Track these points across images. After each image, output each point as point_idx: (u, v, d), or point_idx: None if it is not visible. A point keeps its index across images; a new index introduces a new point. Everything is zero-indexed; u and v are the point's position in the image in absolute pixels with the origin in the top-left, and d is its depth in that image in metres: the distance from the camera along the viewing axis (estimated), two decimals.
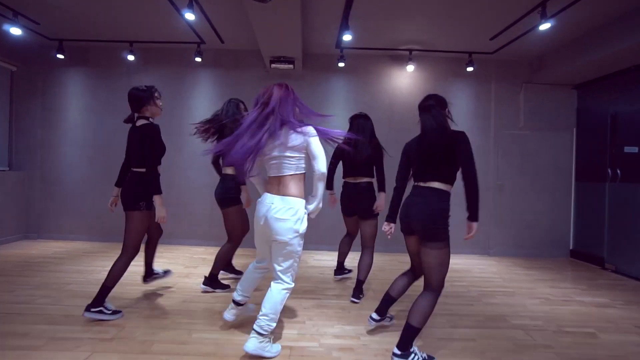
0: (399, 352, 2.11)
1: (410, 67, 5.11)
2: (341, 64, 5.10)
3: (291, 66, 4.86)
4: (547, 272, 4.45)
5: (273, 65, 4.86)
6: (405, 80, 5.41)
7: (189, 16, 3.72)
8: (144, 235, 2.87)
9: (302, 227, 2.13)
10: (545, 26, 3.58)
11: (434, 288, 2.20)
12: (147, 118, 2.85)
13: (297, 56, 4.82)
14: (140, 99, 2.83)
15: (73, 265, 4.00)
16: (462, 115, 5.40)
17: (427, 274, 2.23)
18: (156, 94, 2.89)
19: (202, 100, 5.38)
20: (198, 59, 5.11)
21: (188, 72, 5.39)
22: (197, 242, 5.31)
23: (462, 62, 5.27)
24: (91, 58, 5.41)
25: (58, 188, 5.41)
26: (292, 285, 2.20)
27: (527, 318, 2.99)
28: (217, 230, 5.29)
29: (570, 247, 5.33)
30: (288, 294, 2.19)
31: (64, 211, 5.40)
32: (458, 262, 4.86)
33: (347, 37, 4.09)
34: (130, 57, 5.13)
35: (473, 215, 2.34)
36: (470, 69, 5.09)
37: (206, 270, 3.97)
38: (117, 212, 5.54)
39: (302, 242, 2.16)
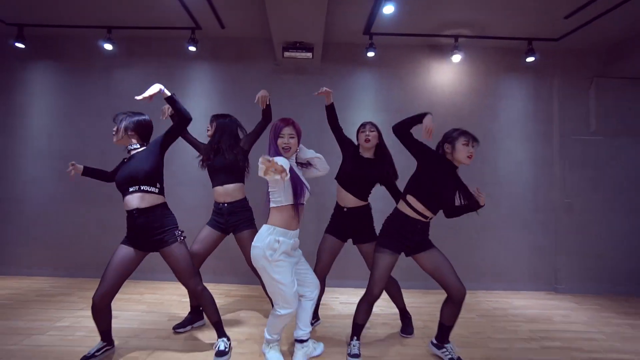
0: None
1: (457, 57, 4.11)
2: (370, 54, 4.10)
3: (309, 55, 3.85)
4: None
5: (287, 54, 3.85)
6: (449, 76, 4.41)
7: None
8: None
9: (269, 252, 2.07)
10: None
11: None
12: None
13: (317, 42, 3.82)
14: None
15: (11, 320, 2.87)
16: (517, 118, 4.38)
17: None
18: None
19: (198, 99, 4.35)
20: (192, 48, 4.11)
21: (180, 65, 4.38)
22: None
23: (517, 52, 4.29)
24: (59, 48, 4.39)
25: (15, 209, 4.32)
26: (282, 312, 2.15)
27: None
28: (214, 262, 4.20)
29: None
30: (280, 319, 2.18)
31: (21, 238, 4.30)
32: (527, 305, 3.74)
33: (388, 10, 3.10)
34: (109, 47, 4.13)
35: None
36: (530, 59, 4.10)
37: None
38: (88, 239, 4.51)
39: (278, 270, 2.08)
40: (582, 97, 4.32)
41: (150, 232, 2.21)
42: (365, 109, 4.36)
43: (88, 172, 2.71)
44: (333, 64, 4.38)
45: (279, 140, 2.15)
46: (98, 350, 2.27)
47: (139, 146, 2.32)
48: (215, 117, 2.88)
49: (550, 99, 4.38)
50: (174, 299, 3.55)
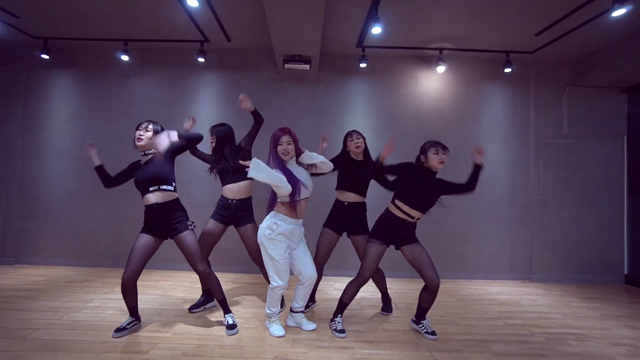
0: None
1: (441, 68, 4.53)
2: (363, 65, 4.52)
3: (307, 66, 4.27)
4: (610, 304, 3.79)
5: (287, 66, 4.27)
6: (434, 84, 4.83)
7: (192, 2, 3.14)
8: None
9: (267, 231, 2.61)
10: (619, 12, 2.99)
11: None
12: None
13: (314, 55, 4.23)
14: None
15: (49, 301, 3.32)
16: (497, 122, 4.81)
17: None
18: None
19: (206, 105, 4.77)
20: (201, 59, 4.53)
21: (190, 75, 4.80)
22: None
23: (497, 63, 4.70)
24: (80, 58, 4.81)
25: (39, 205, 4.75)
26: (274, 284, 2.67)
27: None
28: (220, 253, 4.64)
29: (625, 272, 4.66)
30: (274, 292, 2.70)
31: (46, 232, 4.73)
32: (501, 291, 4.19)
33: (376, 30, 3.50)
34: (125, 58, 4.54)
35: None
36: (508, 70, 4.52)
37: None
38: (106, 233, 4.96)
39: (273, 247, 2.60)
40: (556, 104, 4.74)
41: (167, 222, 2.66)
42: (359, 114, 4.78)
43: (100, 169, 3.03)
44: (329, 73, 4.80)
45: (279, 148, 2.59)
46: (129, 324, 2.71)
47: (152, 151, 2.72)
48: (214, 128, 3.23)
49: (527, 105, 4.80)
50: (186, 285, 3.99)
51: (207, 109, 4.76)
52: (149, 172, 2.65)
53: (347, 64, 4.77)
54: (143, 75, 4.80)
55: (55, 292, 3.59)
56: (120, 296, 3.48)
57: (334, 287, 4.13)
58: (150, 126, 2.74)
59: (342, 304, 2.87)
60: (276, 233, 2.57)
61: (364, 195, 3.14)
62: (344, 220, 3.12)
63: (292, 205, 2.59)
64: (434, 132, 4.76)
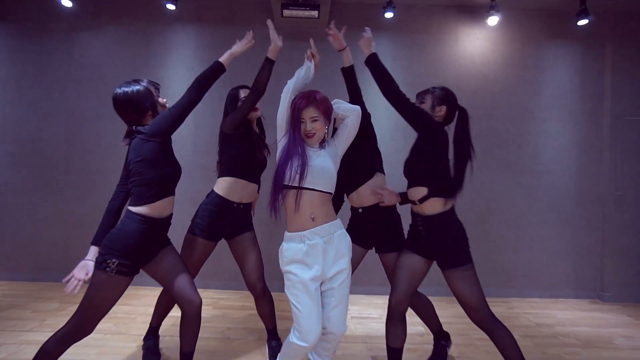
0: None
1: (493, 19, 3.41)
2: (389, 14, 3.38)
3: (315, 13, 3.12)
4: None
5: (287, 12, 3.12)
6: (480, 44, 3.69)
7: None
8: None
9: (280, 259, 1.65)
10: None
11: None
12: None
13: None
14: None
15: None
16: (561, 94, 3.70)
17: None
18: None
19: (180, 71, 3.64)
20: (171, 7, 3.38)
21: (158, 30, 3.65)
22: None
23: (563, 15, 3.59)
24: (12, 8, 3.64)
25: None
26: (292, 339, 1.57)
27: None
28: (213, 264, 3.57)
29: None
30: (291, 348, 1.59)
31: None
32: (573, 318, 3.14)
33: None
34: (68, 4, 3.39)
35: None
36: (583, 21, 3.38)
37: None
38: (53, 236, 3.84)
39: (290, 285, 1.58)
40: None
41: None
42: None
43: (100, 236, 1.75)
44: (342, 28, 3.64)
45: (302, 126, 1.63)
46: None
47: None
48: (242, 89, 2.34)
49: (601, 71, 3.68)
50: (149, 311, 2.91)
51: (180, 75, 3.62)
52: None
53: (367, 15, 3.62)
54: (96, 30, 3.64)
55: None
56: (46, 337, 2.41)
57: (350, 315, 3.06)
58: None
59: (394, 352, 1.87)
60: (285, 263, 1.60)
61: None
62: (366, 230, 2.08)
63: (293, 197, 1.59)
64: (477, 105, 3.65)
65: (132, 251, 1.56)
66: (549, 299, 3.63)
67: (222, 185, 2.07)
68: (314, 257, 1.56)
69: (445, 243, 1.73)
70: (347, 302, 1.65)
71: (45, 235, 3.64)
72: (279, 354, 1.72)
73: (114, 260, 1.53)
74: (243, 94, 2.15)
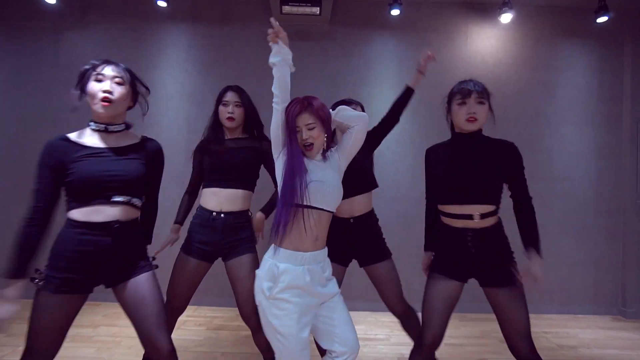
0: None
1: (507, 17, 3.20)
2: (395, 12, 3.17)
3: (316, 10, 2.92)
4: None
5: (286, 9, 2.91)
6: (491, 43, 3.48)
7: None
8: None
9: (266, 283, 1.37)
10: None
11: None
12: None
13: None
14: None
15: None
16: (578, 97, 3.49)
17: None
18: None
19: (172, 72, 3.42)
20: (163, 4, 3.17)
21: (149, 28, 3.43)
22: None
23: (580, 12, 3.38)
24: None
25: None
26: None
27: None
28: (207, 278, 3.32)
29: None
30: None
31: None
32: (597, 339, 2.89)
33: None
34: (52, 1, 3.17)
35: None
36: (602, 19, 3.17)
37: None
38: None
39: (277, 312, 1.34)
40: None
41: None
42: (386, 84, 3.45)
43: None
44: (345, 26, 3.44)
45: (298, 136, 1.43)
46: None
47: None
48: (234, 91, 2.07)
49: (620, 72, 3.47)
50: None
51: (173, 76, 3.41)
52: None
53: (371, 12, 3.42)
54: (83, 29, 3.43)
55: None
56: None
57: None
58: None
59: None
60: (281, 288, 1.34)
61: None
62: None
63: (302, 217, 1.38)
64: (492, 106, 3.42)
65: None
66: (568, 314, 3.39)
67: (202, 196, 1.88)
68: (311, 283, 1.36)
69: (496, 257, 1.53)
70: (351, 320, 1.48)
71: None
72: None
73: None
74: (230, 96, 1.91)
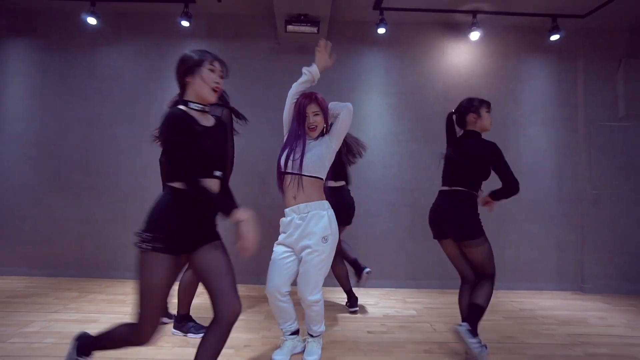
0: (469, 327, 2.00)
1: (475, 34, 3.78)
2: (381, 30, 3.75)
3: (315, 29, 3.48)
4: None
5: (290, 28, 3.48)
6: (465, 57, 4.06)
7: None
8: None
9: None
10: None
11: (490, 275, 2.17)
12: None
13: (324, 15, 3.46)
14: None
15: None
16: (540, 102, 4.05)
17: (479, 268, 2.18)
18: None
19: None
20: (185, 23, 3.74)
21: (172, 43, 3.99)
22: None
23: (540, 31, 3.96)
24: (39, 23, 4.00)
25: None
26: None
27: None
28: None
29: None
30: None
31: None
32: (554, 305, 3.39)
33: None
34: (92, 21, 3.74)
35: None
36: (555, 37, 3.77)
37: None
38: (69, 235, 4.11)
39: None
40: (610, 80, 3.98)
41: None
42: (375, 91, 4.01)
43: None
44: (339, 42, 3.99)
45: (305, 121, 2.00)
46: None
47: None
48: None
49: (575, 81, 4.05)
50: None
51: None
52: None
53: (362, 31, 4.00)
54: (116, 44, 4.00)
55: None
56: (72, 316, 2.68)
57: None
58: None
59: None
60: (280, 232, 2.07)
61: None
62: None
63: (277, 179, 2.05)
64: None
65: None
66: (534, 290, 3.88)
67: None
68: (290, 229, 1.96)
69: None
70: (317, 275, 1.91)
71: (63, 234, 3.88)
72: (317, 324, 2.10)
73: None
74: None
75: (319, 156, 1.96)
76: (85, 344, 1.53)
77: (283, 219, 2.01)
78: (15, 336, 2.30)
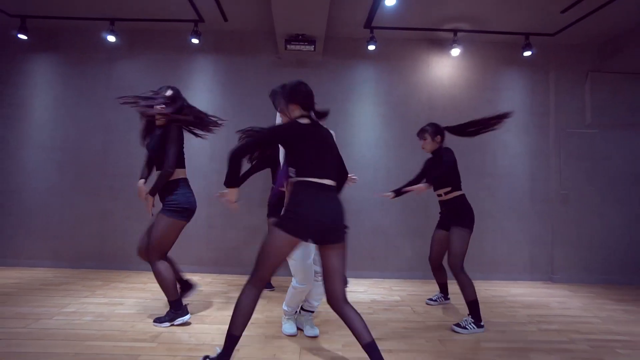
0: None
1: (456, 51, 4.20)
2: (372, 47, 4.16)
3: (312, 47, 3.90)
4: None
5: (289, 47, 3.91)
6: (447, 70, 4.48)
7: None
8: None
9: None
10: None
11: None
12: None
13: (319, 35, 3.87)
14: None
15: (17, 306, 2.89)
16: (515, 111, 4.46)
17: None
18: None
19: (200, 92, 4.39)
20: (195, 41, 4.16)
21: (183, 58, 4.42)
22: (190, 269, 4.22)
23: (515, 47, 4.37)
24: (62, 40, 4.41)
25: (15, 201, 4.32)
26: (292, 284, 2.37)
27: None
28: (215, 253, 4.24)
29: None
30: (294, 289, 2.38)
31: (22, 230, 4.30)
32: (524, 292, 3.83)
33: (390, 1, 3.15)
34: (112, 39, 4.15)
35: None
36: (527, 53, 4.19)
37: (203, 308, 2.89)
38: (90, 231, 4.53)
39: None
40: (578, 91, 4.41)
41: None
42: (366, 101, 4.43)
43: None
44: (334, 57, 4.44)
45: None
46: None
47: None
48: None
49: (546, 92, 4.47)
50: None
51: (201, 95, 4.38)
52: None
53: (354, 47, 4.42)
54: (132, 59, 4.42)
55: (26, 296, 3.17)
56: (101, 300, 3.10)
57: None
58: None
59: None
60: None
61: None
62: None
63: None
64: (447, 121, 4.36)
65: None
66: (509, 281, 4.32)
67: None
68: None
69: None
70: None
71: (84, 230, 4.31)
72: (284, 301, 2.45)
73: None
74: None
75: None
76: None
77: None
78: (57, 315, 2.73)
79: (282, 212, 1.92)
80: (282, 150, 2.41)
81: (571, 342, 2.54)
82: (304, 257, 2.31)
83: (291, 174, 1.94)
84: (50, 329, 2.47)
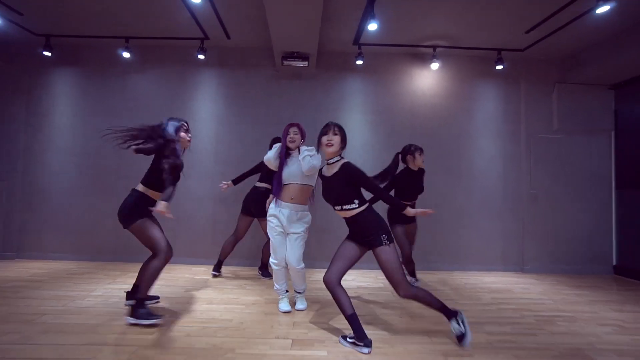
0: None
1: (435, 65, 4.68)
2: (359, 62, 4.64)
3: (305, 63, 4.38)
4: (600, 291, 3.92)
5: (285, 63, 4.39)
6: (428, 81, 4.97)
7: None
8: None
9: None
10: (603, 9, 3.15)
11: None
12: None
13: (312, 52, 4.35)
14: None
15: (52, 290, 3.38)
16: (489, 118, 4.95)
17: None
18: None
19: (205, 103, 4.87)
20: (201, 57, 4.64)
21: (190, 72, 4.90)
22: (197, 261, 4.71)
23: (489, 60, 4.85)
24: (82, 56, 4.90)
25: (41, 200, 4.81)
26: (270, 261, 3.02)
27: (612, 353, 2.43)
28: (220, 248, 4.72)
29: (614, 263, 4.81)
30: (274, 270, 3.03)
31: (47, 226, 4.79)
32: (494, 281, 4.31)
33: (372, 27, 3.63)
34: (126, 55, 4.64)
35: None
36: (500, 67, 4.67)
37: (211, 293, 3.38)
38: (107, 228, 5.02)
39: (268, 224, 3.02)
40: (546, 101, 4.90)
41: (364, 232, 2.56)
42: (355, 110, 4.91)
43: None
44: (326, 70, 4.92)
45: (287, 137, 2.97)
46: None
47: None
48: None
49: (518, 102, 4.95)
50: (187, 277, 4.07)
51: (206, 105, 4.86)
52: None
53: (344, 61, 4.90)
54: (144, 72, 4.90)
55: (58, 282, 3.66)
56: (122, 286, 3.58)
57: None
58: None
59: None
60: (269, 214, 2.99)
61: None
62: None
63: (278, 188, 2.98)
64: (428, 127, 4.90)
65: None
66: (484, 271, 4.80)
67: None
68: (282, 218, 2.88)
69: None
70: (297, 249, 2.90)
71: (101, 226, 4.79)
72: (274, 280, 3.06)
73: None
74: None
75: (300, 171, 2.92)
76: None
77: (276, 208, 2.95)
78: (88, 297, 3.22)
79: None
80: (274, 157, 2.94)
81: (521, 318, 3.03)
82: (275, 239, 2.94)
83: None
84: (85, 307, 2.96)
